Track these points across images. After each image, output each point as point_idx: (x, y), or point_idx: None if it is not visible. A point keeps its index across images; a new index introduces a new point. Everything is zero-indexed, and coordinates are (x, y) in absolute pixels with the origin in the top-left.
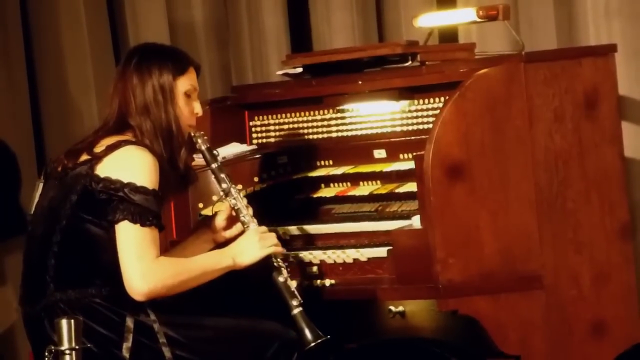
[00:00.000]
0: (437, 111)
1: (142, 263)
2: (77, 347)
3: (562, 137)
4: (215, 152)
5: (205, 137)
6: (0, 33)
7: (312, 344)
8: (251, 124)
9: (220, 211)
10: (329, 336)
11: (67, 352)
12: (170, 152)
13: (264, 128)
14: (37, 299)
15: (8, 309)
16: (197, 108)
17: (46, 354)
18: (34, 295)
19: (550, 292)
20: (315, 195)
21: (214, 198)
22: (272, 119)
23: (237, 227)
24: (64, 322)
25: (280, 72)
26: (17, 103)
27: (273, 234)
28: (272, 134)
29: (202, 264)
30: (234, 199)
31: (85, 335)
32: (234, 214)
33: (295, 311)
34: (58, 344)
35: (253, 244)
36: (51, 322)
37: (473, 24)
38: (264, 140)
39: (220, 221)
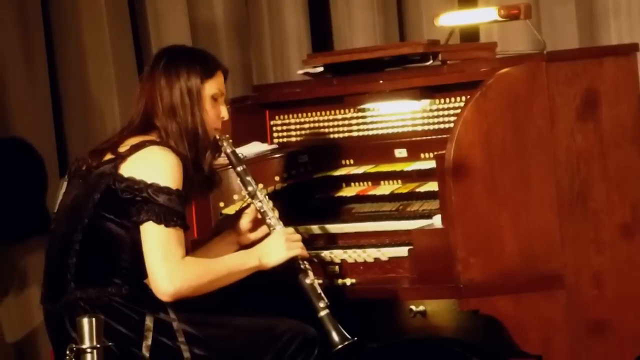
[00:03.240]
0: (458, 110)
1: (169, 264)
2: (98, 345)
3: (584, 137)
4: (240, 155)
5: (231, 141)
6: (21, 32)
7: (340, 346)
8: (272, 123)
9: (246, 213)
10: (355, 338)
11: (89, 350)
12: (195, 154)
13: (284, 127)
14: (57, 297)
15: (29, 308)
16: (224, 112)
17: (67, 352)
18: (55, 293)
19: (571, 292)
20: (336, 195)
21: (235, 197)
22: (293, 118)
23: (263, 230)
24: (85, 321)
25: (301, 72)
26: (38, 102)
27: (299, 236)
28: (293, 133)
29: (228, 264)
30: (260, 201)
31: (105, 334)
32: (259, 216)
33: (322, 313)
34: (79, 343)
35: (279, 245)
36: (72, 320)
37: (494, 23)
38: (285, 140)
39: (245, 223)
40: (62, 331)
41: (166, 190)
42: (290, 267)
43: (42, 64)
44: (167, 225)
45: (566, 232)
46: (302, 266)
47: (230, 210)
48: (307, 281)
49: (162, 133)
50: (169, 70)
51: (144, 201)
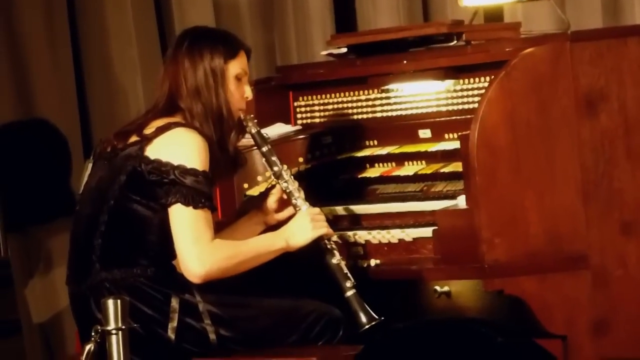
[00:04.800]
0: (483, 91)
1: (198, 246)
2: (123, 327)
3: (608, 117)
4: (265, 135)
5: (255, 121)
6: (45, 15)
7: (367, 326)
8: (296, 104)
9: (272, 194)
10: (382, 317)
11: (114, 332)
12: (220, 135)
13: (308, 108)
14: (83, 278)
15: (55, 289)
16: (248, 92)
17: (93, 334)
18: (80, 274)
19: (596, 272)
20: (360, 176)
21: (259, 178)
22: (317, 99)
23: (289, 210)
24: (110, 302)
25: (324, 52)
26: (62, 84)
27: (324, 216)
28: (317, 114)
29: (256, 246)
30: (286, 181)
31: (130, 315)
32: (284, 196)
33: (349, 293)
34: (104, 324)
35: (305, 226)
36: (97, 301)
37: (518, 2)
38: (309, 121)
39: (271, 203)
40: (87, 312)
41: (193, 172)
42: (317, 248)
43: (65, 46)
44: (195, 207)
45: (591, 212)
46: (328, 246)
47: (254, 191)
48: (334, 261)
49: (187, 115)
50: (192, 52)
51: (171, 183)
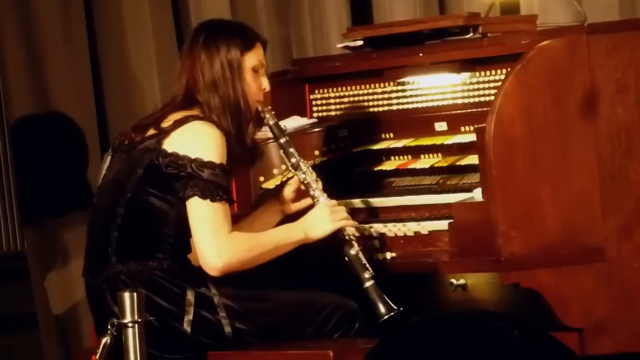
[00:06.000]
0: (499, 83)
1: (216, 239)
2: (139, 320)
3: (625, 109)
4: (283, 126)
5: (273, 112)
6: (62, 8)
7: (386, 317)
8: (311, 97)
9: (289, 184)
10: (401, 308)
11: (130, 324)
12: (238, 127)
13: (324, 101)
14: (99, 270)
15: (72, 281)
16: (265, 83)
17: (109, 327)
18: (96, 267)
19: (613, 265)
20: (375, 169)
21: (275, 171)
22: (333, 92)
23: (306, 200)
24: (126, 295)
25: (340, 45)
26: (79, 77)
27: (343, 208)
28: (333, 107)
29: (275, 238)
30: (304, 173)
31: (146, 307)
32: (302, 188)
33: (368, 284)
34: (120, 317)
35: (324, 218)
36: (113, 293)
37: None
38: (325, 114)
39: (288, 193)
40: (103, 304)
41: (210, 165)
42: (335, 239)
43: (82, 39)
44: (212, 200)
45: (607, 205)
46: (346, 237)
47: (270, 184)
48: (352, 252)
49: (204, 108)
50: (208, 45)
51: (188, 176)
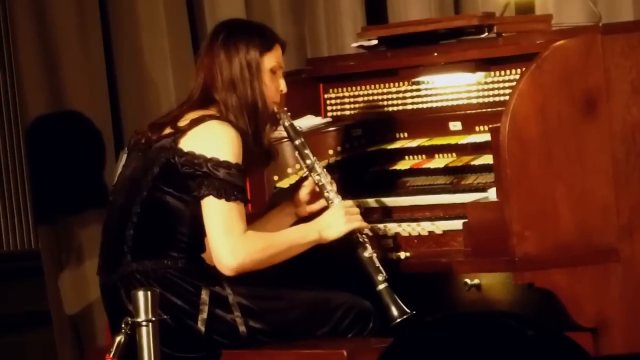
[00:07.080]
0: (514, 83)
1: (231, 238)
2: (153, 318)
3: (639, 110)
4: (299, 128)
5: (289, 114)
6: (77, 7)
7: (398, 320)
8: (326, 96)
9: (304, 186)
10: (414, 311)
11: (144, 323)
12: (255, 128)
13: (338, 101)
14: (114, 268)
15: (86, 280)
16: (282, 85)
17: (123, 325)
18: (111, 265)
19: (627, 265)
20: (390, 168)
21: (289, 171)
22: (347, 91)
23: (321, 202)
24: (140, 294)
25: (355, 45)
26: (93, 75)
27: (357, 209)
28: (347, 106)
29: (289, 238)
30: (318, 174)
31: (160, 306)
32: (317, 189)
33: (381, 287)
34: (135, 316)
35: (339, 219)
36: (127, 292)
37: None
38: (339, 113)
39: (303, 195)
40: (117, 303)
41: (225, 165)
42: (348, 241)
43: (96, 37)
44: (227, 200)
45: (622, 205)
46: (360, 239)
47: (284, 184)
48: (366, 254)
49: (221, 107)
50: (228, 44)
51: (204, 176)
